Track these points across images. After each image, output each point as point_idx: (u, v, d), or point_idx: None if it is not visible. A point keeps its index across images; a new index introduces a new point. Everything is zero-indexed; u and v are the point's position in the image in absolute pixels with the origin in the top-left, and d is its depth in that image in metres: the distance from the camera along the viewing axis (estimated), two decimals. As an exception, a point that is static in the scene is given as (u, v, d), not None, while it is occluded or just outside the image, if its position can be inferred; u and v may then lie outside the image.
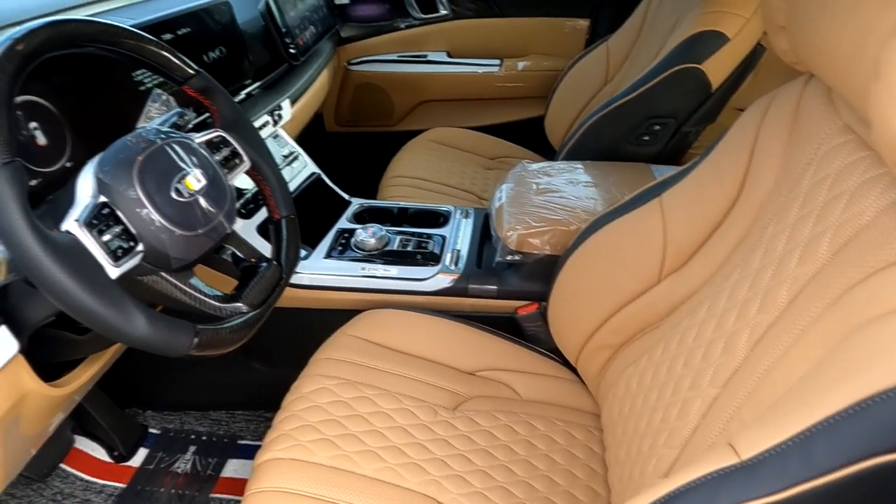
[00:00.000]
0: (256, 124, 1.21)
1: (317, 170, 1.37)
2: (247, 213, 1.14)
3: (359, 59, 2.00)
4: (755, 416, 0.55)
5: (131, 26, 0.92)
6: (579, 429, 0.91)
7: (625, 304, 0.86)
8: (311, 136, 1.63)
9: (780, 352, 0.56)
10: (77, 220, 0.56)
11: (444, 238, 1.20)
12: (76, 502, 1.20)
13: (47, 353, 0.76)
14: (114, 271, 0.57)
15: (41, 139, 0.74)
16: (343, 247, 1.18)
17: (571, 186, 1.12)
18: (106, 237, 0.57)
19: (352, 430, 0.85)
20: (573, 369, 0.99)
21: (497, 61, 1.95)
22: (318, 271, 1.12)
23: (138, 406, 1.38)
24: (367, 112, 2.09)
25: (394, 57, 2.00)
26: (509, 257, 1.05)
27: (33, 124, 0.73)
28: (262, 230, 1.13)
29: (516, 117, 2.02)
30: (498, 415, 0.90)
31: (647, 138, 1.30)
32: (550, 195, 1.09)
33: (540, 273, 1.06)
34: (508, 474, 0.82)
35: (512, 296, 1.09)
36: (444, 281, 1.11)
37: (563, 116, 1.67)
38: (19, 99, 0.71)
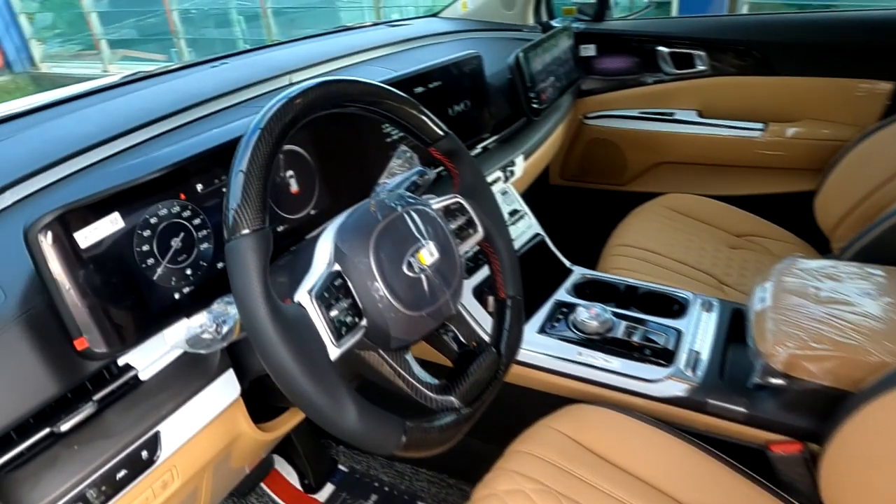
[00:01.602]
0: (488, 180, 1.17)
1: (541, 231, 1.28)
2: (466, 272, 1.08)
3: (596, 114, 1.89)
4: None
5: (390, 79, 0.93)
6: None
7: (959, 491, 0.60)
8: (533, 188, 1.55)
9: None
10: (309, 292, 0.53)
11: (679, 333, 1.02)
12: (266, 524, 1.25)
13: (261, 397, 0.77)
14: (334, 351, 0.53)
15: (294, 187, 0.76)
16: (559, 322, 1.06)
17: (870, 301, 0.86)
18: (333, 312, 0.54)
19: (547, 554, 0.72)
20: (845, 544, 0.74)
21: (760, 125, 1.68)
22: (530, 347, 1.02)
23: (332, 440, 1.41)
24: (596, 169, 1.96)
25: (634, 113, 1.85)
26: (771, 379, 0.83)
27: (290, 172, 0.75)
28: (478, 293, 1.07)
29: (773, 190, 1.72)
30: (734, 587, 0.70)
31: None
32: (838, 308, 0.85)
33: (810, 405, 0.83)
34: None
35: (766, 425, 0.87)
36: (676, 387, 0.92)
37: (843, 197, 1.36)
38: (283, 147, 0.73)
